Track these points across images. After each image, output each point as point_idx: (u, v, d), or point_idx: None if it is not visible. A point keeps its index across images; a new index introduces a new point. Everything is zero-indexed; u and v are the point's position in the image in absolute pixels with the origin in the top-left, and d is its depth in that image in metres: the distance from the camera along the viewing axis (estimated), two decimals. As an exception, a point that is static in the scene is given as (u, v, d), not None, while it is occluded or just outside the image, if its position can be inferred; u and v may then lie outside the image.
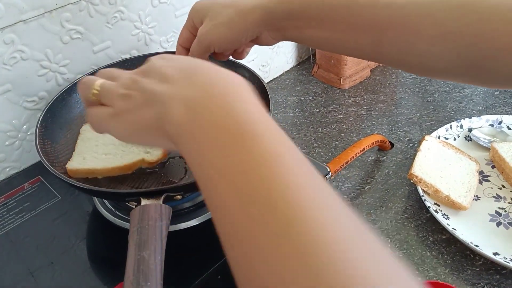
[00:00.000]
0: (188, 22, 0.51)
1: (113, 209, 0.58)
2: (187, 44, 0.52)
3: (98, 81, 0.38)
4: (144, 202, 0.45)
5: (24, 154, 0.67)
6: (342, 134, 0.85)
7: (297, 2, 0.45)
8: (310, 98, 0.95)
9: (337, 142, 0.83)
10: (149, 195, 0.46)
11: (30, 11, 0.58)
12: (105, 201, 0.60)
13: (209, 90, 0.31)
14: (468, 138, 0.79)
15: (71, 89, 0.63)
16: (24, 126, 0.65)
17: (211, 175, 0.28)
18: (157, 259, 0.38)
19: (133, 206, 0.46)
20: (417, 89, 0.95)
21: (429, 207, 0.65)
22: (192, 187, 0.50)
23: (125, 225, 0.56)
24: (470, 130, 0.79)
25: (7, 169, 0.66)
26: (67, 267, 0.53)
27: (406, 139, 0.83)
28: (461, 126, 0.80)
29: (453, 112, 0.88)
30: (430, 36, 0.38)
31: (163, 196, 0.46)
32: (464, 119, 0.80)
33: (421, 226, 0.67)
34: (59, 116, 0.61)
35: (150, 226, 0.41)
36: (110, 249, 0.56)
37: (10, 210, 0.60)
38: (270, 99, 0.58)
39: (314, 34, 0.46)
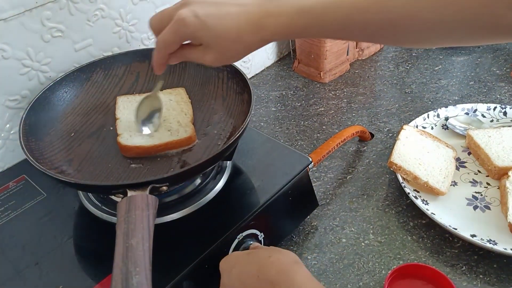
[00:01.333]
0: (178, 38, 0.47)
1: (100, 204, 0.59)
2: (173, 50, 0.49)
3: None
4: (130, 193, 0.46)
5: (8, 154, 0.67)
6: (324, 127, 0.87)
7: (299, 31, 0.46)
8: (292, 92, 0.97)
9: (318, 134, 0.85)
10: (135, 186, 0.46)
11: (10, 10, 0.58)
12: (91, 196, 0.60)
13: None
14: (445, 127, 0.81)
15: (54, 87, 0.63)
16: (7, 125, 0.65)
17: None
18: (145, 246, 0.39)
19: (119, 199, 0.46)
20: (395, 81, 0.98)
21: (409, 193, 0.67)
22: (178, 179, 0.51)
23: (112, 219, 0.57)
24: (446, 119, 0.82)
25: (-9, 169, 0.66)
26: (54, 265, 0.53)
27: (386, 130, 0.85)
28: (438, 115, 0.82)
29: (430, 103, 0.91)
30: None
31: (149, 188, 0.46)
32: (440, 108, 0.83)
33: (401, 212, 0.69)
34: (42, 114, 0.61)
35: (137, 216, 0.42)
36: (97, 244, 0.56)
37: (-4, 208, 0.61)
38: (251, 94, 0.59)
39: (318, 37, 0.48)
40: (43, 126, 0.60)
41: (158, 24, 0.49)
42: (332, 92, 0.96)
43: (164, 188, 0.49)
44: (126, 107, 0.63)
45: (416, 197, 0.67)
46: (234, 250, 0.57)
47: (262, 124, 0.88)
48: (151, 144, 0.57)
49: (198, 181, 0.62)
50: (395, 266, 0.60)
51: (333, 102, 0.93)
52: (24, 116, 0.57)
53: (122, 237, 0.39)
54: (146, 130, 0.59)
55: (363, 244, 0.65)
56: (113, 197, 0.59)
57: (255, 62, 1.02)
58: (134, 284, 0.35)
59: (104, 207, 0.58)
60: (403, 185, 0.68)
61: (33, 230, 0.58)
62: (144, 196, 0.44)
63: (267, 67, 1.06)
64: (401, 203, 0.70)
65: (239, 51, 0.47)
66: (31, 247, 0.56)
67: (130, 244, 0.38)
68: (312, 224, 0.68)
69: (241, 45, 0.46)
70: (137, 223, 0.41)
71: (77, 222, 0.59)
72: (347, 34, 0.45)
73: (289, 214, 0.65)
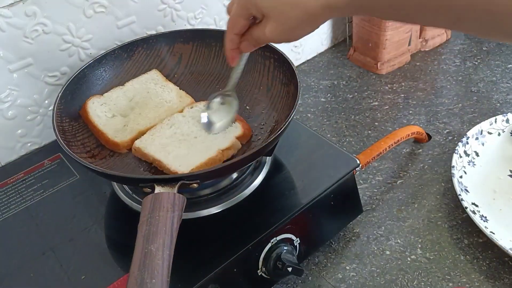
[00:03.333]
0: (244, 11, 0.45)
1: (131, 192, 0.57)
2: (241, 32, 0.46)
3: None
4: (158, 189, 0.42)
5: (45, 130, 0.66)
6: (376, 123, 0.80)
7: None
8: (344, 83, 0.90)
9: (369, 132, 0.78)
10: (164, 182, 0.43)
11: (52, -18, 0.56)
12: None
13: None
14: (514, 134, 0.73)
15: (93, 65, 0.61)
16: (46, 102, 0.64)
17: None
18: (165, 254, 0.35)
19: (148, 192, 0.43)
20: (460, 78, 0.89)
21: (466, 207, 0.60)
22: (210, 176, 0.48)
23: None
24: (517, 125, 0.73)
25: (28, 144, 0.65)
26: (86, 245, 0.52)
27: (445, 132, 0.77)
28: (507, 121, 0.73)
29: (498, 105, 0.81)
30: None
31: (178, 184, 0.43)
32: (511, 112, 0.74)
33: (455, 227, 0.62)
34: (79, 93, 0.59)
35: (161, 217, 0.38)
36: (125, 234, 0.54)
37: (29, 186, 0.60)
38: (298, 86, 0.54)
39: (388, 18, 0.41)
40: (79, 106, 0.58)
41: (230, 6, 0.47)
42: (388, 85, 0.88)
43: (195, 185, 0.45)
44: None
45: (474, 212, 0.60)
46: (266, 255, 0.52)
47: (309, 115, 0.83)
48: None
49: (235, 175, 0.58)
50: (443, 289, 0.54)
51: (389, 96, 0.86)
52: (60, 94, 0.55)
53: (142, 240, 0.36)
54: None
55: (409, 259, 0.59)
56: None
57: (307, 47, 0.95)
58: (148, 298, 0.31)
59: (135, 196, 0.56)
60: (460, 197, 0.61)
61: (65, 210, 0.56)
62: (171, 195, 0.41)
63: (319, 53, 0.99)
64: (456, 217, 0.63)
65: (300, 19, 0.41)
66: (63, 225, 0.54)
67: (149, 250, 0.35)
68: (354, 231, 0.63)
69: (301, 10, 0.40)
70: (159, 226, 0.37)
71: (108, 208, 0.57)
72: (425, 16, 0.37)
73: (329, 219, 0.60)
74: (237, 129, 0.54)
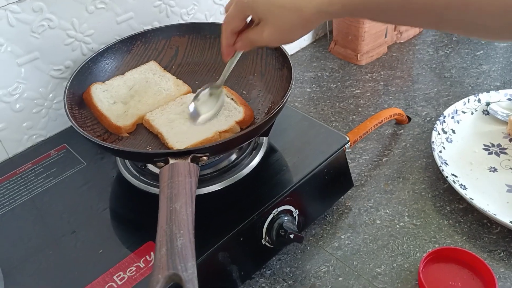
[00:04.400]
0: (240, 13, 0.48)
1: (138, 175, 0.60)
2: (237, 30, 0.49)
3: None
4: (172, 161, 0.46)
5: (50, 122, 0.69)
6: (360, 109, 0.85)
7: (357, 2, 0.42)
8: (327, 74, 0.96)
9: (354, 116, 0.84)
10: (177, 155, 0.47)
11: (56, -20, 0.60)
12: (130, 166, 0.61)
13: None
14: (486, 112, 0.79)
15: (96, 58, 0.64)
16: (50, 95, 0.67)
17: None
18: (188, 211, 0.39)
19: (159, 170, 0.47)
20: (434, 65, 0.95)
21: (447, 177, 0.66)
22: (218, 149, 0.52)
23: (150, 189, 0.58)
24: (487, 104, 0.80)
25: (34, 137, 0.68)
26: (95, 227, 0.55)
27: (423, 113, 0.83)
28: (479, 100, 0.80)
29: (470, 88, 0.88)
30: (491, 13, 0.36)
31: (190, 157, 0.47)
32: (482, 93, 0.80)
33: (438, 196, 0.68)
34: (85, 84, 0.62)
35: (180, 182, 0.42)
36: (135, 212, 0.57)
37: (38, 175, 0.62)
38: (292, 69, 0.59)
39: (376, 19, 0.44)
40: (85, 96, 0.62)
41: (228, 5, 0.50)
42: (368, 75, 0.94)
43: (204, 158, 0.49)
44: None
45: (454, 182, 0.66)
46: (269, 226, 0.57)
47: (297, 104, 0.88)
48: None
49: (234, 156, 0.62)
50: (430, 249, 0.59)
51: (370, 84, 0.92)
52: (68, 84, 0.58)
53: (165, 201, 0.40)
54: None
55: (397, 226, 0.64)
56: (151, 167, 0.60)
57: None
58: (179, 245, 0.35)
59: (142, 177, 0.59)
60: (441, 168, 0.67)
61: (73, 197, 0.59)
62: (186, 164, 0.45)
63: (302, 48, 1.05)
64: (438, 187, 0.69)
65: (296, 23, 0.44)
66: (70, 213, 0.57)
67: (173, 207, 0.39)
68: (346, 204, 0.68)
69: (297, 15, 0.43)
70: (180, 188, 0.41)
71: (115, 191, 0.61)
72: (409, 17, 0.41)
73: (323, 193, 0.64)
74: (240, 114, 0.58)
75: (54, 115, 0.68)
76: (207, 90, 0.58)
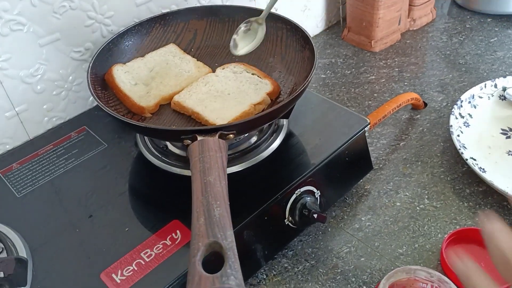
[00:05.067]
0: None
1: (159, 155, 0.60)
2: None
3: None
4: (200, 138, 0.46)
5: (70, 105, 0.69)
6: (375, 94, 0.85)
7: None
8: (341, 60, 0.95)
9: (370, 102, 0.84)
10: (205, 132, 0.47)
11: (78, -40, 0.59)
12: (151, 147, 0.61)
13: None
14: (502, 97, 0.79)
15: (116, 40, 0.64)
16: (70, 77, 0.67)
17: None
18: (222, 184, 0.39)
19: (188, 143, 0.47)
20: (448, 52, 0.95)
21: (467, 159, 0.66)
22: (245, 127, 0.52)
23: (171, 169, 0.58)
24: (504, 89, 0.79)
25: (54, 119, 0.68)
26: (119, 206, 0.55)
27: (439, 99, 0.83)
28: (496, 85, 0.80)
29: (485, 74, 0.88)
30: None
31: (218, 134, 0.47)
32: (498, 78, 0.80)
33: (457, 179, 0.68)
34: (106, 66, 0.62)
35: (212, 156, 0.42)
36: (158, 192, 0.57)
37: (60, 156, 0.62)
38: (314, 50, 0.59)
39: None
40: (107, 77, 0.62)
41: None
42: (383, 61, 0.94)
43: (231, 136, 0.49)
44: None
45: (473, 165, 0.66)
46: (292, 205, 0.57)
47: (312, 90, 0.87)
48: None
49: (254, 138, 0.62)
50: (451, 231, 0.59)
51: (384, 71, 0.91)
52: (90, 64, 0.58)
53: (199, 174, 0.40)
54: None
55: (418, 208, 0.64)
56: (172, 148, 0.60)
57: (304, 30, 1.00)
58: (217, 215, 0.35)
59: (163, 158, 0.59)
60: (460, 151, 0.67)
61: (95, 178, 0.59)
62: (215, 140, 0.45)
63: (315, 35, 1.04)
64: (457, 171, 0.69)
65: None
66: (93, 194, 0.57)
67: (208, 180, 0.39)
68: (366, 187, 0.68)
69: None
70: (212, 162, 0.41)
71: (137, 171, 0.61)
72: None
73: (344, 174, 0.64)
74: (267, 86, 0.59)
75: (73, 97, 0.68)
76: (243, 26, 0.62)
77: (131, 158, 0.62)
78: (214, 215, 0.35)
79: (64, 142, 0.65)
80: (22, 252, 0.49)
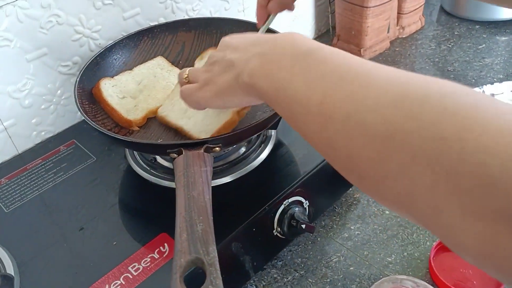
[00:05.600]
0: None
1: (148, 168, 0.60)
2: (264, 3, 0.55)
3: (187, 69, 0.47)
4: (185, 153, 0.46)
5: (59, 119, 0.69)
6: (364, 102, 0.86)
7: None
8: (331, 69, 0.96)
9: (359, 110, 0.84)
10: (191, 146, 0.47)
11: (64, -25, 0.60)
12: (139, 160, 0.61)
13: (275, 43, 0.35)
14: (490, 104, 0.80)
15: (104, 54, 0.65)
16: (59, 91, 0.67)
17: (288, 93, 0.32)
18: (206, 198, 0.39)
19: (171, 163, 0.47)
20: (437, 59, 0.96)
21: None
22: (231, 140, 0.52)
23: (160, 182, 0.58)
24: (492, 96, 0.80)
25: (43, 133, 0.68)
26: (107, 220, 0.55)
27: (428, 106, 0.83)
28: (483, 92, 0.80)
29: (473, 81, 0.89)
30: None
31: (203, 147, 0.47)
32: (486, 85, 0.81)
33: (445, 187, 0.68)
34: (93, 79, 0.62)
35: (196, 171, 0.42)
36: (146, 204, 0.58)
37: (48, 170, 0.62)
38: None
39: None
40: (94, 91, 0.62)
41: None
42: (372, 69, 0.95)
43: (217, 149, 0.49)
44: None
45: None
46: (280, 216, 0.57)
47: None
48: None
49: (243, 149, 0.63)
50: (439, 239, 0.60)
51: (373, 79, 0.92)
52: (78, 79, 0.58)
53: (183, 189, 0.40)
54: None
55: (406, 216, 0.64)
56: (161, 160, 0.60)
57: (294, 38, 1.01)
58: (199, 230, 0.35)
59: (152, 170, 0.60)
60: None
61: (83, 191, 0.59)
62: (200, 154, 0.45)
63: (305, 44, 1.05)
64: (445, 178, 0.69)
65: None
66: (81, 208, 0.57)
67: (191, 195, 0.39)
68: (355, 196, 0.68)
69: None
70: (196, 177, 0.42)
71: (126, 184, 0.61)
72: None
73: (333, 184, 0.65)
74: None
75: (62, 111, 0.68)
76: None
77: (120, 171, 0.62)
78: (196, 231, 0.35)
79: (53, 156, 0.65)
80: (10, 268, 0.49)
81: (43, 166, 0.63)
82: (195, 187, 0.40)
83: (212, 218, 0.38)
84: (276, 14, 0.57)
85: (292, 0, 0.56)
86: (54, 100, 0.67)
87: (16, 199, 0.59)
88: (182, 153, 0.47)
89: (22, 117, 0.65)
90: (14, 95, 0.62)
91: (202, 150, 0.47)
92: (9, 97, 0.62)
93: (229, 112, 0.55)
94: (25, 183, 0.61)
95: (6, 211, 0.57)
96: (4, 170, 0.63)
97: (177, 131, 0.58)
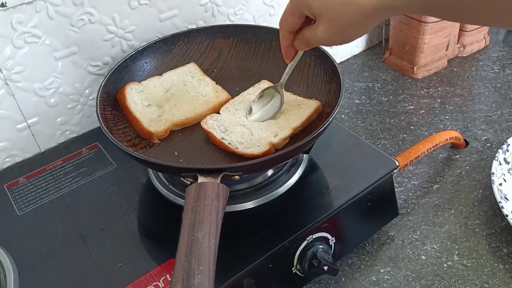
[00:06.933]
0: (295, 9, 0.45)
1: (167, 183, 0.57)
2: (294, 30, 0.46)
3: None
4: (201, 179, 0.42)
5: (84, 119, 0.67)
6: (412, 127, 0.79)
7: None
8: (379, 85, 0.89)
9: (405, 135, 0.77)
10: (207, 172, 0.43)
11: (100, -28, 0.57)
12: (160, 174, 0.58)
13: None
14: (557, 144, 0.70)
15: (135, 56, 0.62)
16: (87, 91, 0.65)
17: None
18: (211, 242, 0.35)
19: (188, 183, 0.43)
20: (499, 85, 0.87)
21: (507, 215, 0.58)
22: (252, 168, 0.47)
23: (178, 200, 0.55)
24: (559, 134, 0.71)
25: (67, 132, 0.66)
26: (117, 235, 0.53)
27: (483, 138, 0.75)
28: (550, 130, 0.71)
29: (539, 114, 0.79)
30: None
31: (221, 175, 0.43)
32: (553, 121, 0.72)
33: (494, 235, 0.61)
34: (121, 83, 0.59)
35: (206, 206, 0.38)
36: (160, 224, 0.54)
37: (67, 173, 0.60)
38: (341, 84, 0.54)
39: (449, 18, 0.39)
40: (120, 96, 0.59)
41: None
42: (424, 90, 0.87)
43: (236, 177, 0.45)
44: None
45: (514, 221, 0.58)
46: (301, 253, 0.52)
47: (343, 116, 0.82)
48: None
49: (270, 171, 0.58)
50: (481, 297, 0.53)
51: (425, 100, 0.84)
52: (103, 83, 0.56)
53: (188, 227, 0.36)
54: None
55: (445, 265, 0.58)
56: (182, 179, 0.57)
57: (342, 48, 0.95)
58: (195, 284, 0.31)
59: (171, 187, 0.56)
60: (500, 204, 0.60)
61: (99, 202, 0.57)
62: (215, 185, 0.41)
63: (354, 55, 0.98)
64: (495, 225, 0.62)
65: (353, 19, 0.39)
66: (96, 214, 0.55)
67: (195, 237, 0.35)
68: (389, 234, 0.62)
69: (355, 9, 0.38)
70: (205, 214, 0.37)
71: (143, 199, 0.58)
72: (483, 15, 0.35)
73: (365, 220, 0.59)
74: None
75: (89, 111, 0.66)
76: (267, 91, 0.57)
77: (138, 183, 0.59)
78: (193, 284, 0.31)
79: (74, 158, 0.62)
80: (10, 277, 0.47)
81: (62, 169, 0.61)
82: (201, 227, 0.36)
83: (214, 268, 0.34)
84: (304, 51, 0.50)
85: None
86: (81, 100, 0.65)
87: (31, 202, 0.57)
88: (197, 179, 0.43)
89: (47, 116, 0.63)
90: (39, 92, 0.60)
91: (219, 179, 0.42)
92: (35, 94, 0.60)
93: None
94: (42, 185, 0.59)
95: (18, 213, 0.55)
96: (25, 168, 0.62)
97: (203, 147, 0.54)
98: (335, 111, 0.50)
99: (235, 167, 0.44)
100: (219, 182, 0.42)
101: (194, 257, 0.33)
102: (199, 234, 0.35)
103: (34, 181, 0.60)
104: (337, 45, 0.44)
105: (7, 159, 0.62)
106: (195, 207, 0.38)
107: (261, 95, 0.57)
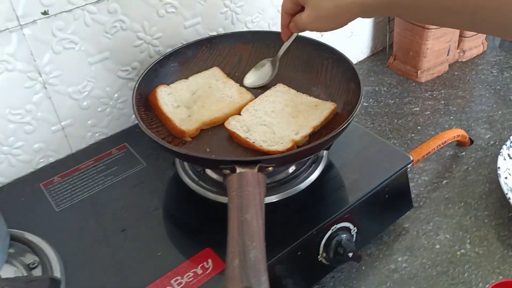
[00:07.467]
0: None
1: (196, 179, 0.60)
2: (290, 12, 0.55)
3: None
4: (239, 170, 0.46)
5: (113, 121, 0.70)
6: (419, 127, 0.83)
7: None
8: (385, 89, 0.94)
9: (413, 135, 0.81)
10: (244, 164, 0.46)
11: (132, -17, 0.61)
12: (188, 170, 0.61)
13: None
14: (556, 140, 0.75)
15: (163, 61, 0.65)
16: (116, 94, 0.68)
17: None
18: (259, 223, 0.38)
19: (226, 173, 0.47)
20: (498, 87, 0.92)
21: (514, 205, 0.62)
22: (286, 160, 0.51)
23: (208, 194, 0.58)
24: (558, 131, 0.76)
25: (97, 134, 0.69)
26: (152, 227, 0.55)
27: (487, 137, 0.80)
28: (549, 127, 0.76)
29: (538, 113, 0.84)
30: None
31: (257, 166, 0.46)
32: (552, 120, 0.76)
33: (502, 225, 0.65)
34: (150, 86, 0.63)
35: (250, 192, 0.42)
36: (191, 217, 0.57)
37: (100, 172, 0.63)
38: (360, 84, 0.58)
39: (409, 17, 0.47)
40: (151, 98, 0.62)
41: None
42: (428, 93, 0.92)
43: (270, 168, 0.48)
44: None
45: (521, 211, 0.62)
46: (327, 241, 0.55)
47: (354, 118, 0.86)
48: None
49: (293, 168, 0.61)
50: (493, 281, 0.56)
51: (429, 102, 0.89)
52: (136, 85, 0.59)
53: (235, 211, 0.40)
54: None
55: (458, 253, 0.61)
56: (210, 172, 0.60)
57: (347, 55, 0.98)
58: (252, 258, 0.34)
59: (200, 182, 0.59)
60: (507, 196, 0.64)
61: (131, 197, 0.60)
62: (254, 174, 0.44)
63: (359, 61, 1.03)
64: (503, 216, 0.66)
65: (332, 11, 0.47)
66: (127, 214, 0.58)
67: (244, 218, 0.38)
68: (404, 226, 0.66)
69: (333, 2, 0.46)
70: (249, 199, 0.41)
71: (173, 194, 0.61)
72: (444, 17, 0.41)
73: (382, 212, 0.62)
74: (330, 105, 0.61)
75: (117, 114, 0.70)
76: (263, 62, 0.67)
77: (168, 179, 0.62)
78: (249, 258, 0.35)
79: (105, 158, 0.66)
80: (56, 269, 0.50)
81: (94, 168, 0.64)
82: (248, 209, 0.40)
83: (265, 244, 0.37)
84: (298, 33, 0.59)
85: None
86: (111, 103, 0.68)
87: (67, 199, 0.60)
88: (235, 170, 0.46)
89: (79, 118, 0.66)
90: (74, 96, 0.64)
91: (256, 170, 0.46)
92: (69, 97, 0.63)
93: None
94: (77, 183, 0.62)
95: (56, 210, 0.58)
96: (58, 168, 0.65)
97: (229, 143, 0.57)
98: (357, 107, 0.54)
99: (270, 159, 0.48)
100: (257, 171, 0.45)
101: (246, 235, 0.37)
102: (248, 216, 0.39)
103: (68, 180, 0.62)
104: (319, 31, 0.52)
105: (41, 160, 0.65)
106: (240, 193, 0.41)
107: (257, 67, 0.67)
